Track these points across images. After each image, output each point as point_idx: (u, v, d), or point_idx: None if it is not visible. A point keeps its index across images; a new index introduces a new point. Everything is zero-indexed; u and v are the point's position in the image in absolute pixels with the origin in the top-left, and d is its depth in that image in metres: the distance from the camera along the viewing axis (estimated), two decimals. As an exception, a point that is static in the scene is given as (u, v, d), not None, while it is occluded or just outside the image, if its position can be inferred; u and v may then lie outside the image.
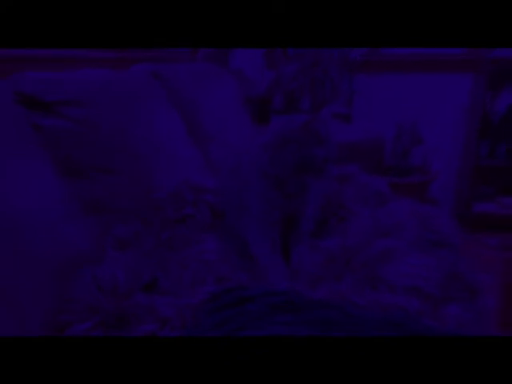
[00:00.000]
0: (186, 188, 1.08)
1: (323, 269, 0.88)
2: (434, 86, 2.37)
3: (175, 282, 0.81)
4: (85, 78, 1.16)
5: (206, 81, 1.72)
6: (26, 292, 0.73)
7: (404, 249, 0.92)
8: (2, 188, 0.78)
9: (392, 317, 0.67)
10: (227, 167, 1.08)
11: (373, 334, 0.61)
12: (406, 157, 2.12)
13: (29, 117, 0.97)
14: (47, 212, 0.86)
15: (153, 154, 1.18)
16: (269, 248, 0.96)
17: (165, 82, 1.46)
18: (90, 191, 1.02)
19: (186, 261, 0.86)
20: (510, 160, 2.39)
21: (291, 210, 0.99)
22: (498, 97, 2.33)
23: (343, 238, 0.95)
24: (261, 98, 2.14)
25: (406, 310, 0.77)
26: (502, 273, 1.52)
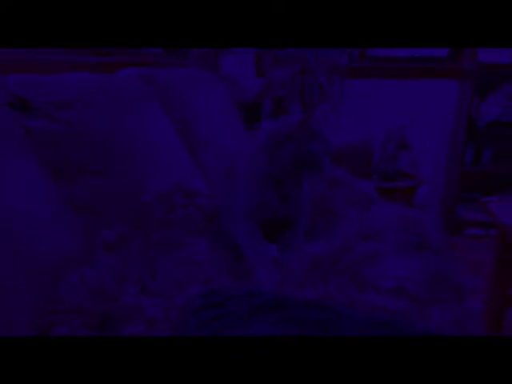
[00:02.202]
0: (177, 191, 1.08)
1: (311, 271, 0.89)
2: (421, 92, 2.40)
3: (163, 283, 0.82)
4: (75, 81, 1.17)
5: (196, 86, 1.73)
6: (14, 292, 0.73)
7: (390, 251, 0.93)
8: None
9: (379, 317, 0.68)
10: (222, 170, 1.09)
11: (360, 333, 0.62)
12: (394, 162, 2.14)
13: (18, 119, 0.97)
14: (37, 213, 0.86)
15: (144, 157, 1.18)
16: (259, 250, 0.97)
17: (155, 87, 1.47)
18: (80, 193, 1.02)
19: (176, 263, 0.87)
20: (496, 166, 2.44)
21: (286, 212, 0.99)
22: (485, 102, 2.38)
23: (331, 241, 0.96)
24: (252, 102, 2.16)
25: (393, 312, 0.78)
26: (489, 275, 1.54)
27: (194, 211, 1.03)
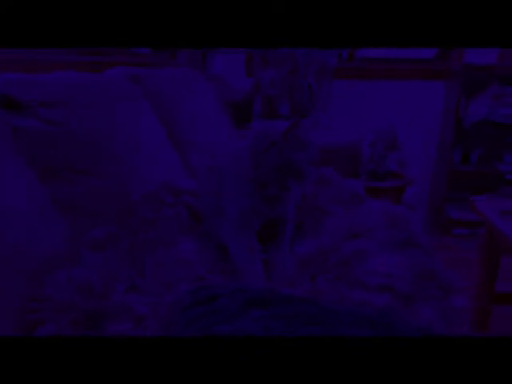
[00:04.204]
0: (164, 190, 1.08)
1: (299, 269, 0.89)
2: (409, 93, 2.43)
3: (152, 281, 0.82)
4: (63, 80, 1.16)
5: (185, 86, 1.73)
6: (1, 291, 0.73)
7: (377, 248, 0.94)
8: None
9: (368, 313, 0.69)
10: (207, 170, 1.09)
11: (350, 329, 0.62)
12: (383, 162, 2.16)
13: (5, 118, 0.96)
14: (24, 213, 0.86)
15: (132, 156, 1.18)
16: (247, 250, 0.97)
17: (144, 86, 1.46)
18: (68, 192, 1.01)
19: (164, 261, 0.87)
20: (484, 165, 2.48)
21: (271, 213, 1.00)
22: (472, 102, 2.41)
23: (319, 239, 0.97)
24: (241, 103, 2.16)
25: (381, 308, 0.78)
26: (476, 272, 1.56)
27: (182, 209, 1.03)
